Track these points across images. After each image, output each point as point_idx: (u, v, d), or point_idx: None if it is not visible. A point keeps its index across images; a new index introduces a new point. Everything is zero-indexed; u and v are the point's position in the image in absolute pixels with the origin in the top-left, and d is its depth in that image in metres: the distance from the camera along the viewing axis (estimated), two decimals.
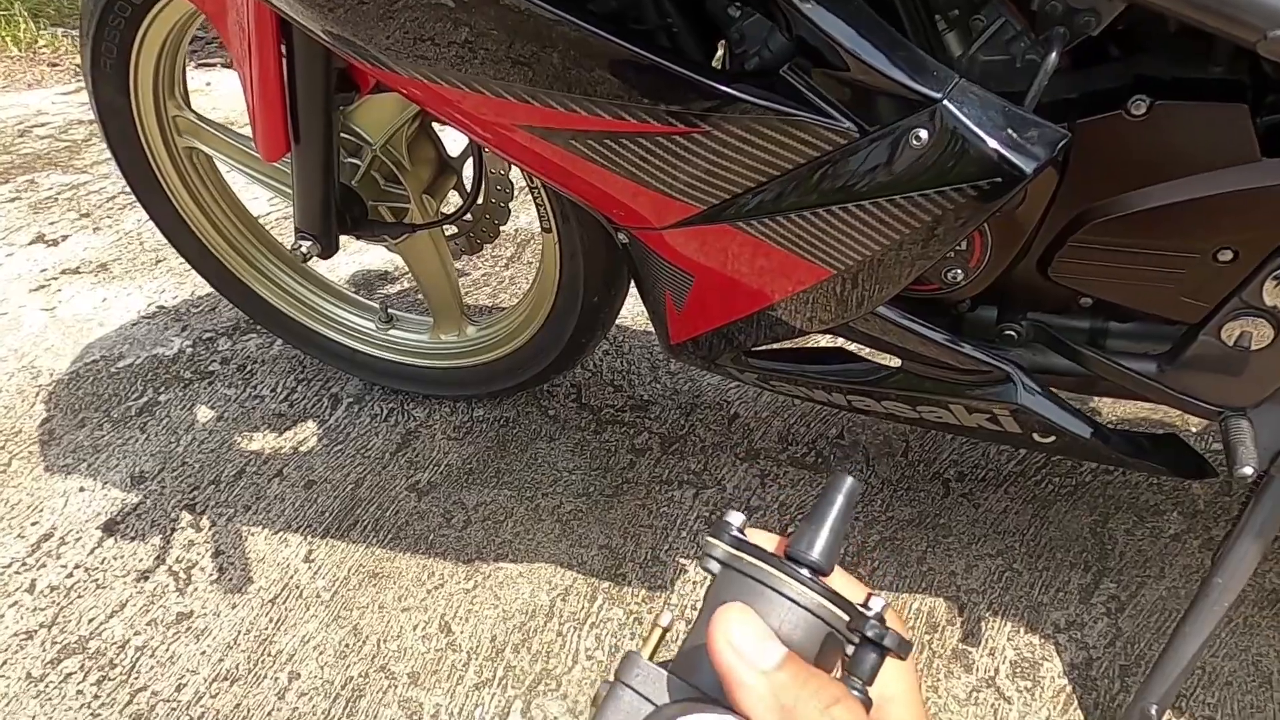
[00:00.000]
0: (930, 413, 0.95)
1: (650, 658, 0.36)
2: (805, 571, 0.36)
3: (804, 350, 1.03)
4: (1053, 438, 0.91)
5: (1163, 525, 1.12)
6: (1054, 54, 0.70)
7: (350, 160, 1.17)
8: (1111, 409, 1.28)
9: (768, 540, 0.38)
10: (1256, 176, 0.73)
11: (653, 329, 1.52)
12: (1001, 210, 0.76)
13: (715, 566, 0.36)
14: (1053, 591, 1.07)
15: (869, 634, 0.35)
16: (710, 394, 1.38)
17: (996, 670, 1.00)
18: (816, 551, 0.36)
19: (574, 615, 1.10)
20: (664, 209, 0.82)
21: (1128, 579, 1.07)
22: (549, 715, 1.01)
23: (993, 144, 0.68)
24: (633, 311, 1.54)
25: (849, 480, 0.38)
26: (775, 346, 1.05)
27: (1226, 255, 0.77)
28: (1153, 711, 0.88)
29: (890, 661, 0.36)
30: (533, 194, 1.11)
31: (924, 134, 0.69)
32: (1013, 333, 0.90)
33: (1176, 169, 0.75)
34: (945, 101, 0.68)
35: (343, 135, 1.14)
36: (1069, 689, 0.98)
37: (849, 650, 0.36)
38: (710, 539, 0.37)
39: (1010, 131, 0.68)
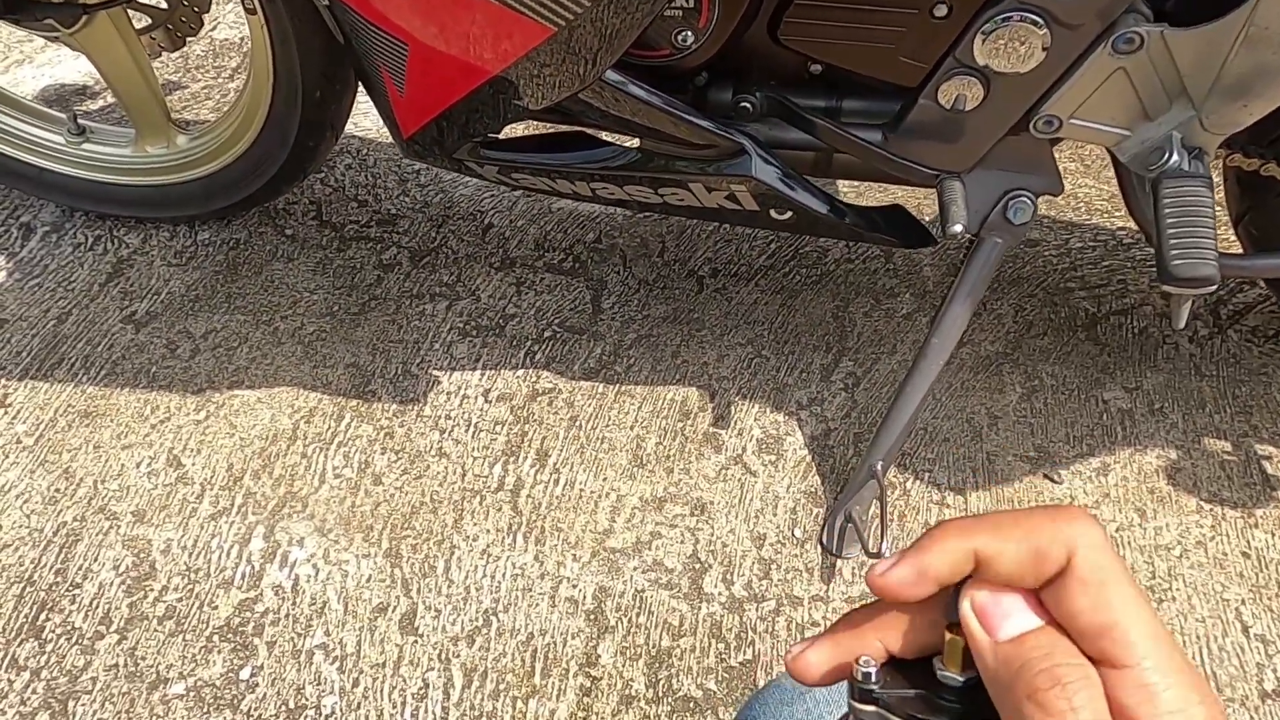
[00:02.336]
0: (673, 195, 0.93)
1: None
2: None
3: (543, 138, 0.97)
4: (790, 214, 0.92)
5: (896, 306, 1.18)
6: None
7: None
8: (845, 190, 1.32)
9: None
10: None
11: None
12: None
13: None
14: (797, 373, 1.11)
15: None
16: (464, 205, 1.30)
17: (744, 449, 1.04)
18: None
19: (319, 436, 1.04)
20: None
21: (864, 356, 1.13)
22: (295, 536, 0.96)
23: None
24: (377, 122, 1.42)
25: None
26: (514, 137, 0.99)
27: (942, 10, 0.78)
28: (878, 468, 0.95)
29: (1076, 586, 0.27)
30: None
31: None
32: (748, 104, 0.88)
33: None
34: None
35: None
36: (809, 459, 1.03)
37: None
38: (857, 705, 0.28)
39: None
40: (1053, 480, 1.02)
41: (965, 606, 0.27)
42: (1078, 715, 0.24)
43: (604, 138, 0.98)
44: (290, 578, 0.93)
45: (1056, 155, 0.89)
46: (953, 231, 0.83)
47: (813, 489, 1.01)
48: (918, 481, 1.02)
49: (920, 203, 1.27)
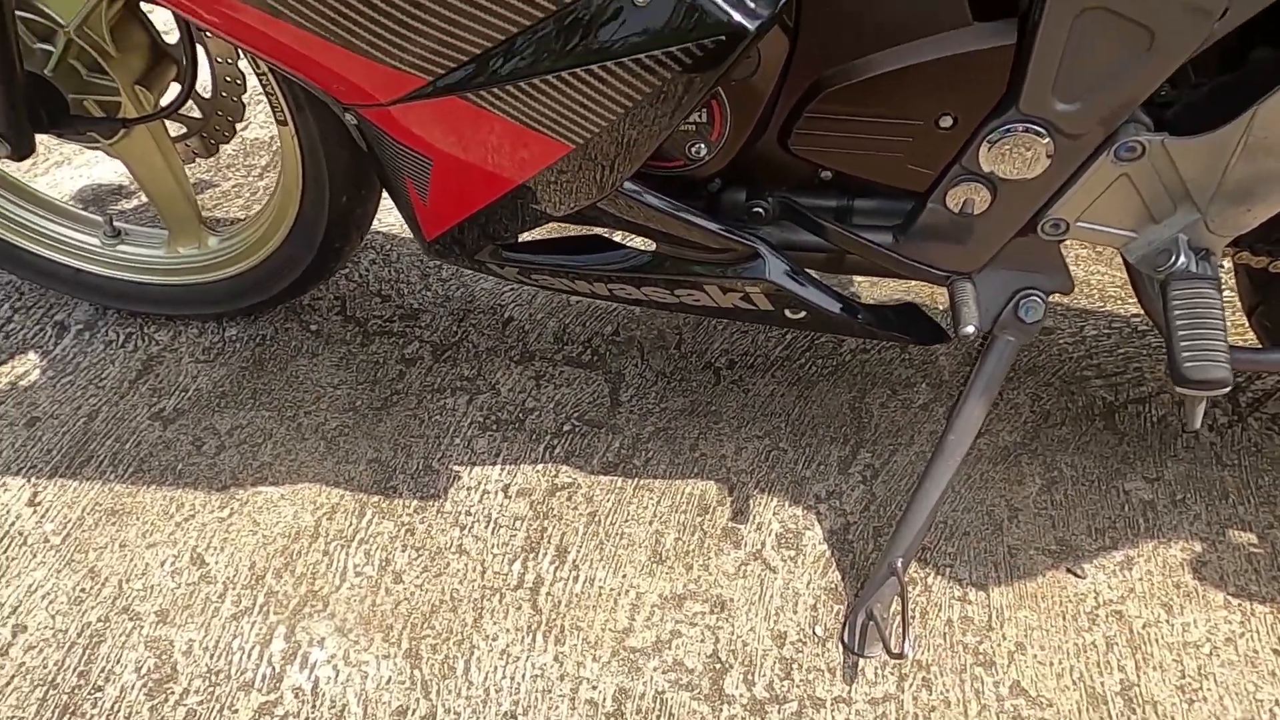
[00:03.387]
0: (688, 296, 0.95)
1: None
2: None
3: (562, 240, 1.00)
4: (804, 314, 0.93)
5: (913, 396, 1.19)
6: None
7: (41, 46, 1.01)
8: (863, 285, 1.34)
9: None
10: (967, 40, 0.75)
11: None
12: (735, 76, 0.76)
13: None
14: (815, 466, 1.11)
15: None
16: (484, 299, 1.33)
17: (763, 544, 1.04)
18: None
19: (341, 533, 1.05)
20: (387, 82, 0.75)
21: (881, 448, 1.13)
22: (315, 637, 0.96)
23: (715, 1, 0.66)
24: (401, 219, 1.46)
25: None
26: (534, 239, 1.01)
27: (947, 121, 0.80)
28: (898, 565, 0.94)
29: None
30: (262, 83, 1.01)
31: None
32: (760, 210, 0.90)
33: (899, 34, 0.76)
34: None
35: (26, 15, 0.98)
36: (828, 554, 1.03)
37: None
38: None
39: None
40: (1076, 574, 1.01)
41: None
42: None
43: (621, 240, 1.00)
44: (310, 679, 0.93)
45: (1068, 244, 0.90)
46: (965, 332, 0.84)
47: (833, 585, 1.00)
48: (939, 577, 1.01)
49: (934, 295, 1.29)
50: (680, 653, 0.95)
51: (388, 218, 1.42)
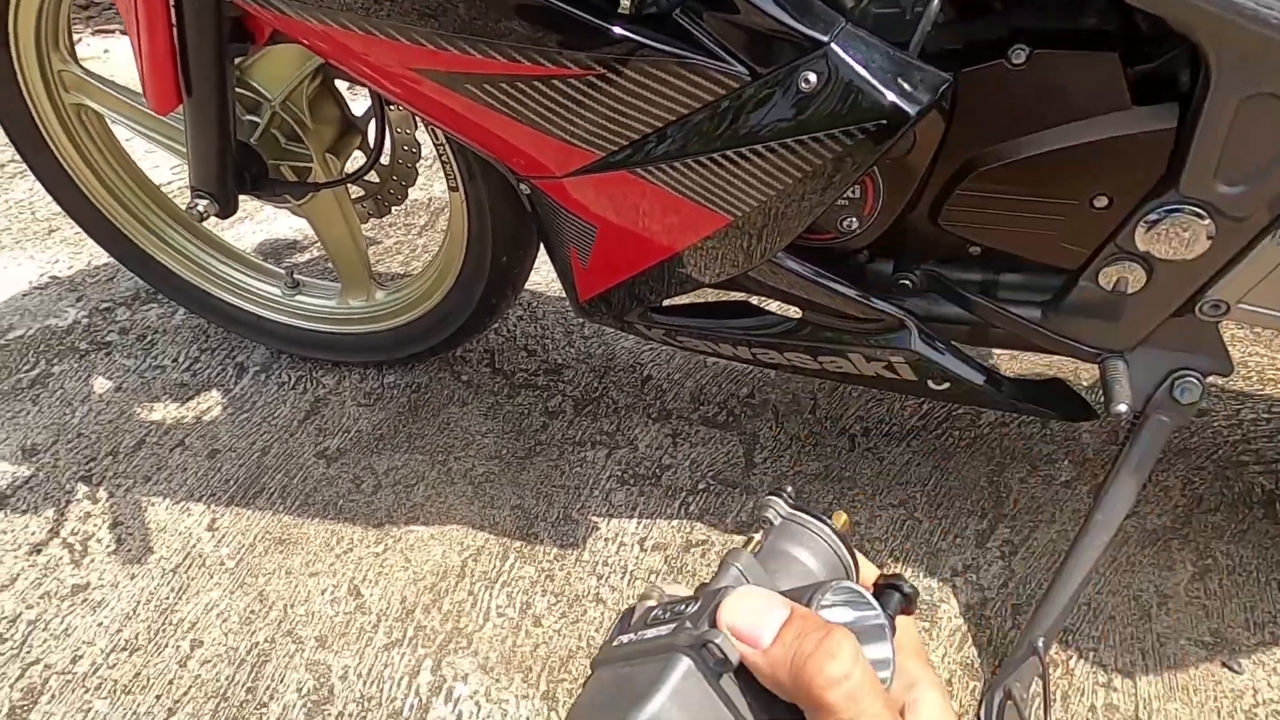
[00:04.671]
0: (831, 363, 0.97)
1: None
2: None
3: (710, 305, 1.04)
4: (947, 384, 0.94)
5: (1054, 473, 1.17)
6: (936, 2, 0.72)
7: (249, 117, 1.14)
8: (1002, 358, 1.33)
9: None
10: (1127, 124, 0.76)
11: (565, 295, 1.52)
12: (890, 155, 0.79)
13: (774, 516, 0.44)
14: (951, 538, 1.11)
15: (888, 580, 0.41)
16: (624, 357, 1.39)
17: None
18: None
19: (485, 574, 1.10)
20: (562, 156, 0.82)
21: (1021, 524, 1.11)
22: (459, 672, 1.01)
23: (878, 87, 0.70)
24: (546, 277, 1.54)
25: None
26: (682, 302, 1.06)
27: (1102, 201, 0.81)
28: (1040, 645, 0.92)
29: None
30: (438, 152, 1.10)
31: (813, 77, 0.70)
32: (908, 282, 0.92)
33: (1054, 117, 0.78)
34: (833, 45, 0.70)
35: (240, 90, 1.11)
36: (964, 628, 1.02)
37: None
38: (770, 498, 0.45)
39: (895, 75, 0.70)
40: (1232, 670, 0.96)
41: (722, 641, 0.35)
42: (840, 660, 0.33)
43: (766, 305, 1.04)
44: (454, 713, 0.97)
45: (1225, 325, 0.88)
46: (1117, 411, 0.84)
47: (969, 660, 0.99)
48: (1082, 660, 0.98)
49: (1077, 370, 1.27)
50: None
51: (535, 276, 1.50)
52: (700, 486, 1.19)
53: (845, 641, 0.34)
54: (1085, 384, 1.28)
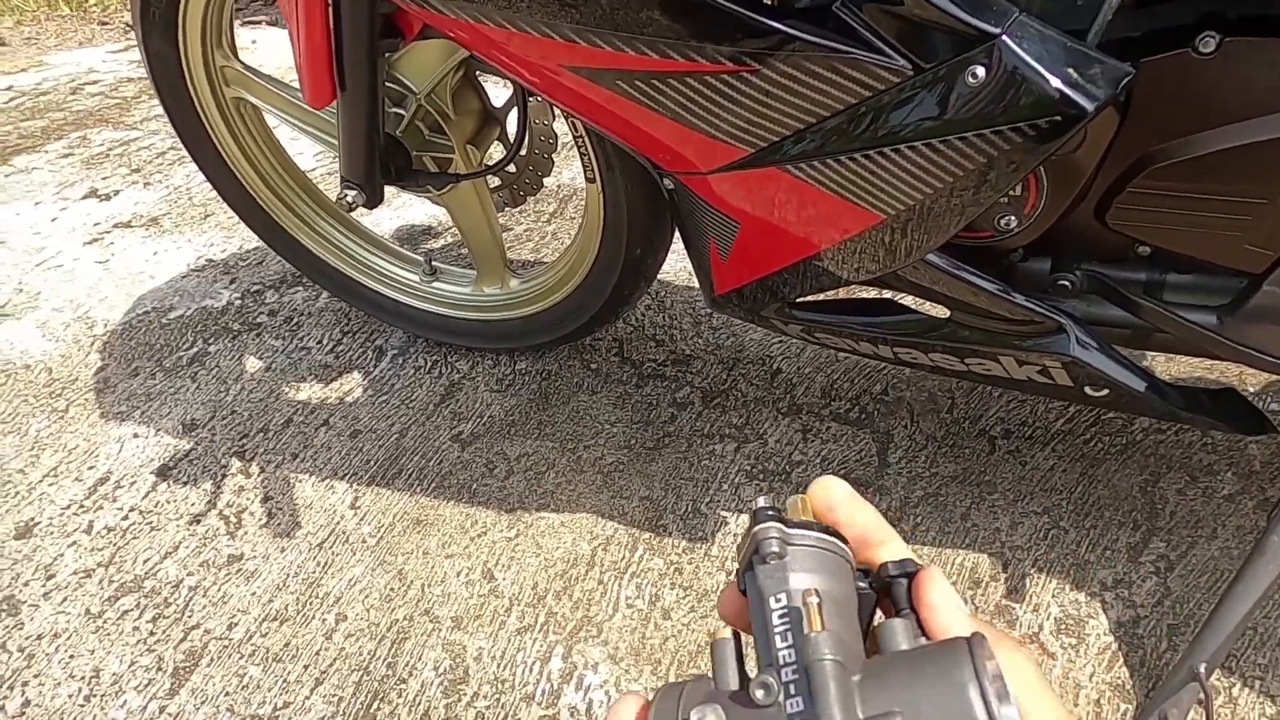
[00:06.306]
0: (979, 365, 0.93)
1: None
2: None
3: (850, 301, 1.02)
4: (1106, 391, 0.89)
5: (1216, 485, 1.10)
6: None
7: (395, 110, 1.17)
8: (1166, 364, 1.25)
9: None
10: None
11: (695, 284, 1.51)
12: (1059, 152, 0.74)
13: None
14: (1100, 550, 1.05)
15: (891, 571, 0.36)
16: (753, 349, 1.37)
17: (1040, 626, 0.99)
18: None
19: (615, 564, 1.11)
20: (711, 152, 0.81)
21: (1178, 539, 1.05)
22: (589, 660, 1.02)
23: (1053, 81, 0.66)
24: (675, 267, 1.53)
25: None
26: (820, 298, 1.04)
27: None
28: (1201, 670, 0.87)
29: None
30: (577, 144, 1.11)
31: (981, 71, 0.67)
32: (1067, 283, 0.88)
33: (1245, 110, 0.72)
34: (1004, 37, 0.66)
35: (388, 84, 1.14)
36: (1115, 646, 0.97)
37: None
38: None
39: (1071, 68, 0.66)
40: None
41: None
42: None
43: (911, 304, 1.00)
44: (585, 701, 0.99)
45: None
46: None
47: (1119, 681, 0.94)
48: (1247, 690, 0.92)
49: (1242, 376, 1.18)
50: None
51: (664, 265, 1.50)
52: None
53: None
54: (1252, 391, 1.20)
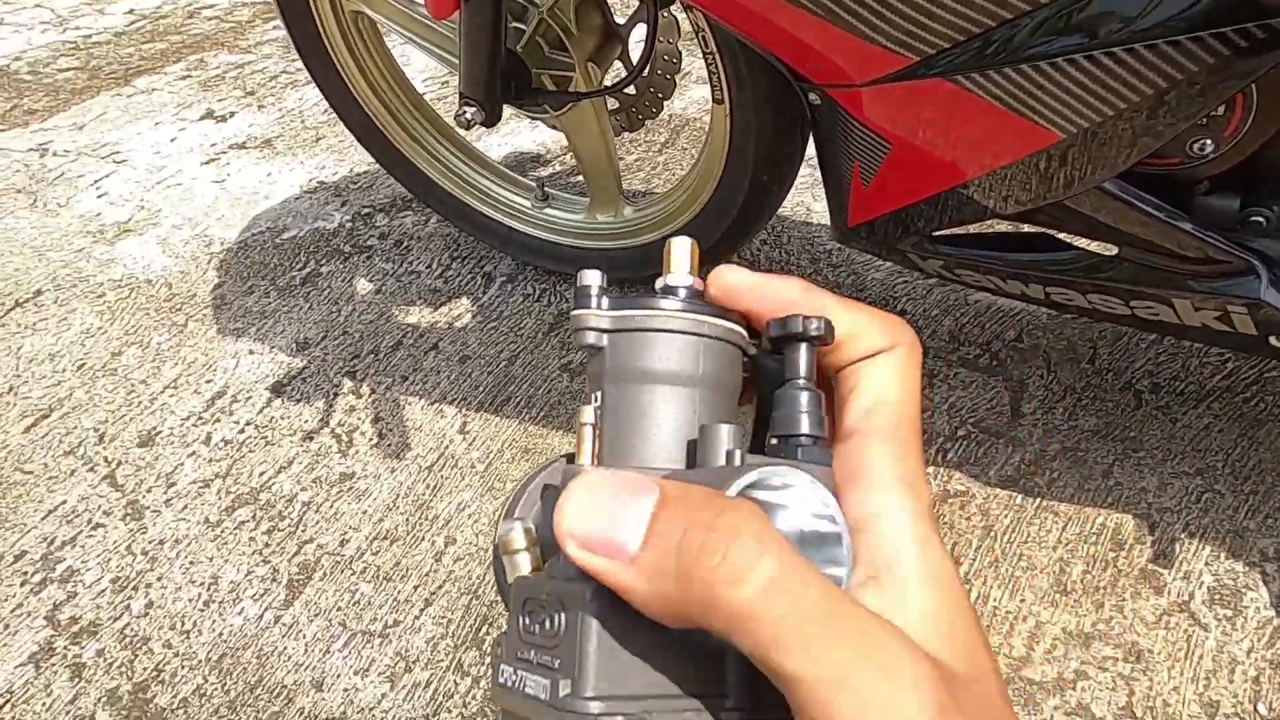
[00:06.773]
0: (1145, 309, 0.85)
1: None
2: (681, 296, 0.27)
3: (993, 236, 0.94)
4: None
5: None
6: None
7: (516, 25, 1.12)
8: None
9: None
10: None
11: (813, 220, 1.44)
12: (1277, 68, 0.66)
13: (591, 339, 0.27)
14: (1261, 517, 0.97)
15: (776, 333, 0.27)
16: (875, 289, 1.30)
17: (1191, 595, 0.92)
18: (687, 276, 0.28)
19: None
20: (868, 60, 0.74)
21: None
22: None
23: None
24: (792, 202, 1.46)
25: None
26: (962, 231, 0.96)
27: None
28: None
29: (881, 360, 0.28)
30: (707, 61, 1.04)
31: None
32: (1261, 219, 0.78)
33: None
34: None
35: None
36: (1276, 622, 0.89)
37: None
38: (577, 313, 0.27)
39: None
40: None
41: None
42: (745, 544, 0.22)
43: (1068, 239, 0.92)
44: None
45: None
46: None
47: None
48: None
49: None
50: (1086, 697, 0.87)
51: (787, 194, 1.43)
52: (960, 433, 1.10)
53: (748, 516, 0.22)
54: None
